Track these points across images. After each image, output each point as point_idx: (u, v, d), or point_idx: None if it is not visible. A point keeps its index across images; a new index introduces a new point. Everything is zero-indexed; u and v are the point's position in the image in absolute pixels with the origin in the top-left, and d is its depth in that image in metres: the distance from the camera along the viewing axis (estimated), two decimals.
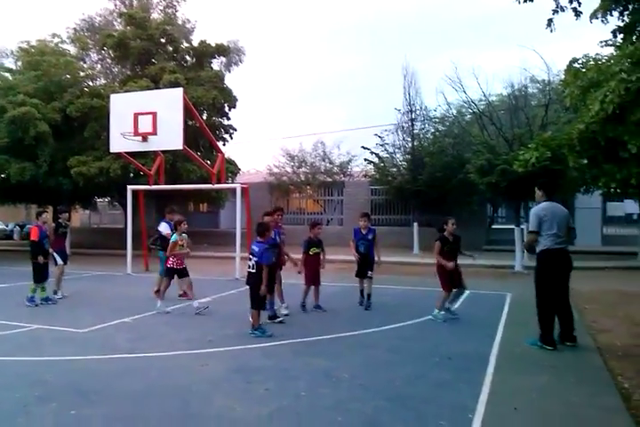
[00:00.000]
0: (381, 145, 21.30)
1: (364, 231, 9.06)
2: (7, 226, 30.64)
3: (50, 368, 5.72)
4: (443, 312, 8.06)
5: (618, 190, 10.44)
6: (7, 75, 20.77)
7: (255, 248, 7.14)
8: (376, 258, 9.03)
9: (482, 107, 17.48)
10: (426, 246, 19.16)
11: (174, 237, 8.90)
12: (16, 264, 16.75)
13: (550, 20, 6.97)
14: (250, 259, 7.20)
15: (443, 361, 5.90)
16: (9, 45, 33.41)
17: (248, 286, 7.25)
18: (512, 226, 15.82)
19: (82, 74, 21.25)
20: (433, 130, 21.23)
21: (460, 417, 4.31)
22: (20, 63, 21.16)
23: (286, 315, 8.28)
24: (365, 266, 9.01)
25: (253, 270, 7.11)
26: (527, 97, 17.29)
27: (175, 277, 9.05)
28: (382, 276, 9.98)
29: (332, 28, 79.85)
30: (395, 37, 75.21)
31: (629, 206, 22.40)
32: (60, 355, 6.18)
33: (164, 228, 10.35)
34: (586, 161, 7.17)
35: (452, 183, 18.70)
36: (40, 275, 9.58)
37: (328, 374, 5.45)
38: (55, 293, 10.26)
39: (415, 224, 19.83)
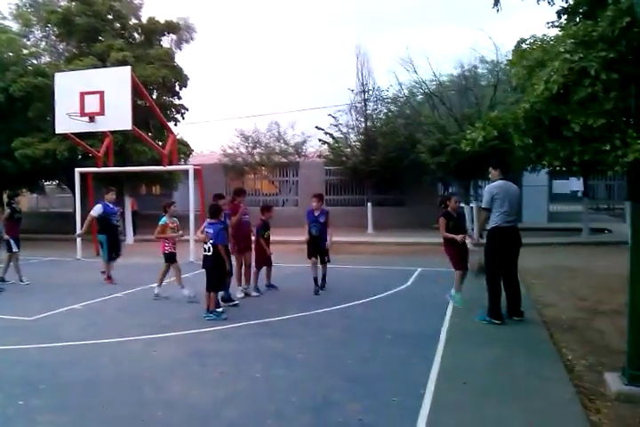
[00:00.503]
0: (335, 125, 21.29)
1: (316, 213, 8.92)
2: None
3: None
4: (459, 295, 7.60)
5: (562, 168, 10.77)
6: None
7: (210, 230, 7.10)
8: (328, 240, 8.90)
9: (433, 87, 17.62)
10: (380, 226, 19.43)
11: (163, 220, 8.54)
12: None
13: (497, 0, 7.04)
14: (205, 242, 7.13)
15: (395, 339, 6.02)
16: None
17: (204, 269, 7.22)
18: (462, 204, 16.12)
19: (25, 52, 20.29)
20: (385, 110, 21.32)
21: (412, 393, 4.41)
22: None
23: (242, 297, 8.28)
24: (316, 248, 8.87)
25: (209, 253, 7.07)
26: (477, 77, 17.51)
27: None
28: (336, 256, 10.03)
29: (286, 6, 78.64)
30: (347, 16, 74.76)
31: (574, 184, 23.18)
32: (7, 344, 6.01)
33: (95, 209, 10.08)
34: (531, 140, 7.32)
35: (405, 163, 18.91)
36: None
37: (283, 356, 5.49)
38: (21, 280, 10.03)
39: (369, 204, 20.00)
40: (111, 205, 10.25)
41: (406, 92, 19.89)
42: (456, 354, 5.44)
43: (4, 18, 21.65)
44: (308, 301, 8.21)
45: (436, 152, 14.92)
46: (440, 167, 15.50)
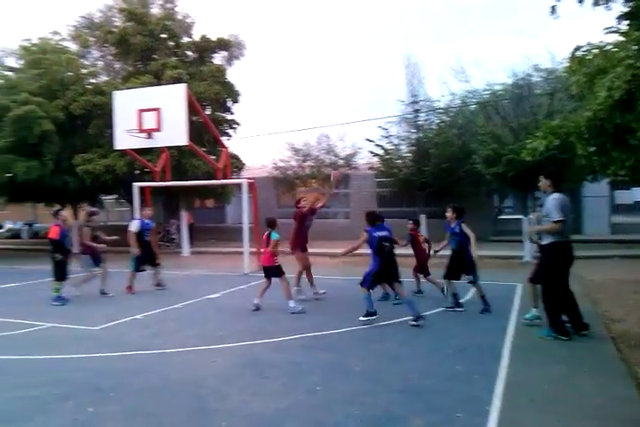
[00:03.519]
0: (386, 137, 21.18)
1: (452, 225, 8.44)
2: (15, 225, 30.75)
3: (67, 366, 5.77)
4: None
5: (627, 178, 10.40)
6: (10, 73, 20.69)
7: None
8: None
9: (486, 96, 17.35)
10: (434, 239, 19.08)
11: (277, 236, 8.40)
12: (26, 263, 16.88)
13: (554, 7, 6.92)
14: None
15: (455, 353, 5.90)
16: (11, 44, 33.38)
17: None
18: (519, 216, 15.75)
19: (84, 71, 21.17)
20: (437, 121, 21.07)
21: (476, 409, 4.31)
22: (22, 62, 21.11)
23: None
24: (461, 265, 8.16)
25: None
26: (531, 86, 17.13)
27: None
28: None
29: (336, 18, 79.43)
30: (397, 27, 74.78)
31: (638, 194, 22.28)
32: (76, 353, 6.22)
33: (133, 225, 10.69)
34: (594, 149, 7.10)
35: (458, 174, 18.61)
36: (61, 273, 9.66)
37: (340, 368, 5.46)
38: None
39: (422, 216, 19.77)
40: (147, 221, 10.83)
41: (459, 101, 19.63)
42: (521, 370, 5.28)
43: (64, 39, 22.63)
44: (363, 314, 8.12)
45: (492, 162, 14.61)
46: (496, 178, 15.18)
